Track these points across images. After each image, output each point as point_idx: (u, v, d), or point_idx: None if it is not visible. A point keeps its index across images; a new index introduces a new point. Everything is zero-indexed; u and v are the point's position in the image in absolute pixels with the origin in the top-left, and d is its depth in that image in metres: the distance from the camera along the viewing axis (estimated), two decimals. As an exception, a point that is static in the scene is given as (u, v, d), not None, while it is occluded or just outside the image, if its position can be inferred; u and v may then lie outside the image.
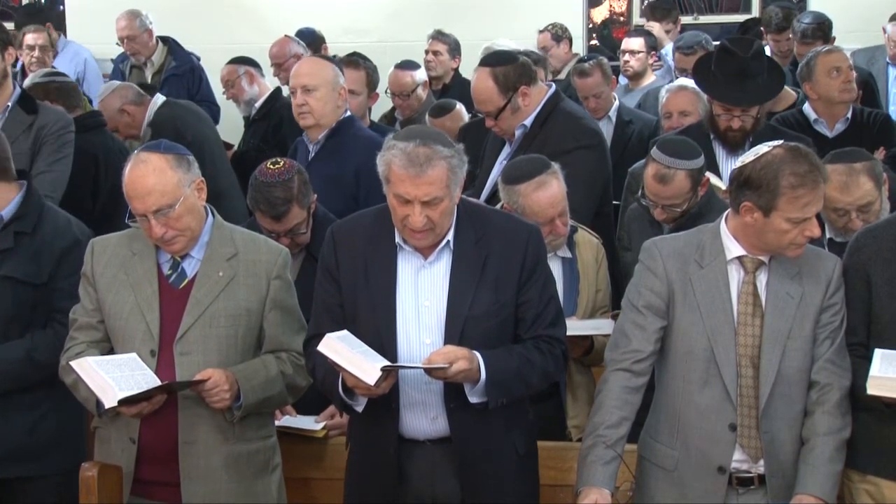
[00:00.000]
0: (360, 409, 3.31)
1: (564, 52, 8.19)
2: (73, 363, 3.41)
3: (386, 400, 3.24)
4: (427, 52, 7.70)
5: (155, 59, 7.83)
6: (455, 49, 7.70)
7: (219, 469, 3.50)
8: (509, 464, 3.37)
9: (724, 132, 5.05)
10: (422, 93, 6.88)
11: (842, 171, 3.90)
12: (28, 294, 3.83)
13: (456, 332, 3.23)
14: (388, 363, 3.14)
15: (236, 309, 3.51)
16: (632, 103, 7.09)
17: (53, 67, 7.29)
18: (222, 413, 3.47)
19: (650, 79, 7.64)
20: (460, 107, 6.27)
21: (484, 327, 3.25)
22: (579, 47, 8.68)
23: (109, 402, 3.28)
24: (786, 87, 5.86)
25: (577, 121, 4.93)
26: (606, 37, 9.96)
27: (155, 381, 3.34)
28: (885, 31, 7.29)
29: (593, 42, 9.79)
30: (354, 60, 6.09)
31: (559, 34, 8.20)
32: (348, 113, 5.00)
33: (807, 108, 5.70)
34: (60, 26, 9.31)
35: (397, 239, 3.29)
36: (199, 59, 8.00)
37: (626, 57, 7.62)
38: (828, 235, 4.02)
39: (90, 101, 6.52)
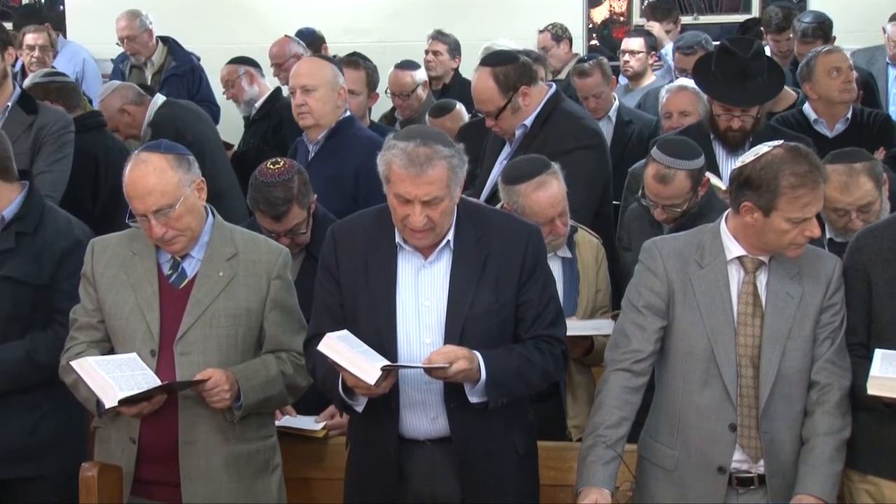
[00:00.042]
0: (360, 408, 3.31)
1: (564, 52, 8.19)
2: (73, 363, 3.41)
3: (386, 400, 3.24)
4: (427, 52, 7.70)
5: (155, 59, 7.83)
6: (455, 49, 7.70)
7: (219, 469, 3.50)
8: (509, 464, 3.37)
9: (724, 132, 5.05)
10: (422, 93, 6.88)
11: (842, 171, 3.90)
12: (28, 295, 3.82)
13: (456, 331, 3.23)
14: (388, 363, 3.14)
15: (236, 309, 3.51)
16: (632, 103, 7.09)
17: (53, 67, 7.29)
18: (222, 413, 3.47)
19: (650, 79, 7.65)
20: (460, 107, 6.27)
21: (484, 327, 3.25)
22: (579, 47, 8.68)
23: (110, 401, 3.28)
24: (786, 87, 5.86)
25: (577, 121, 4.93)
26: (606, 37, 9.96)
27: (155, 381, 3.34)
28: (884, 31, 7.29)
29: (593, 42, 9.80)
30: (354, 60, 6.09)
31: (559, 34, 8.19)
32: (348, 113, 5.00)
33: (807, 108, 5.70)
34: (60, 26, 9.31)
35: (397, 239, 3.30)
36: (199, 59, 7.99)
37: (626, 57, 7.62)
38: (828, 235, 4.02)
39: (90, 101, 6.52)
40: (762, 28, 7.45)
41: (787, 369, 3.26)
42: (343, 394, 3.26)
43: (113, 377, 3.29)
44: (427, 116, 6.25)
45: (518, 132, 4.88)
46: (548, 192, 4.06)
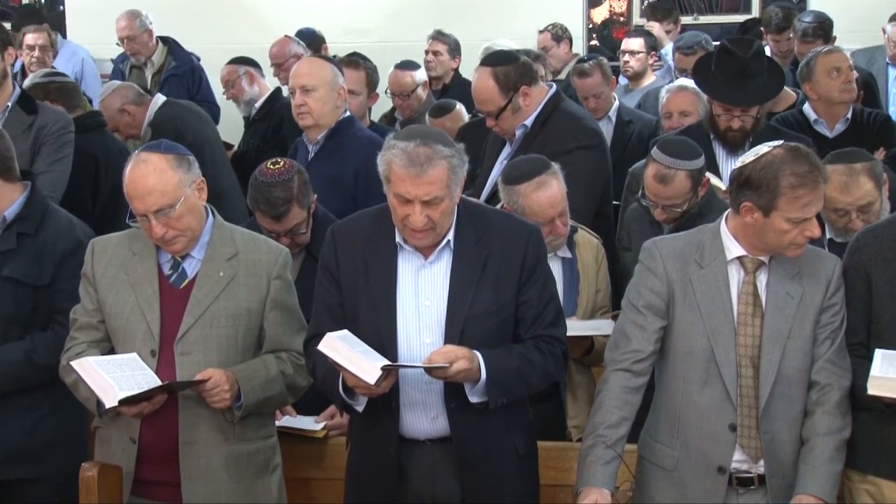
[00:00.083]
0: (360, 408, 3.31)
1: (564, 52, 8.19)
2: (73, 363, 3.41)
3: (386, 400, 3.24)
4: (427, 52, 7.69)
5: (155, 59, 7.83)
6: (455, 49, 7.70)
7: (219, 469, 3.50)
8: (509, 464, 3.37)
9: (724, 132, 5.05)
10: (422, 93, 6.88)
11: (842, 171, 3.90)
12: (28, 295, 3.82)
13: (456, 331, 3.23)
14: (388, 362, 3.14)
15: (237, 309, 3.51)
16: (632, 103, 7.09)
17: (53, 67, 7.29)
18: (223, 413, 3.47)
19: (650, 79, 7.65)
20: (460, 107, 6.27)
21: (484, 327, 3.25)
22: (579, 47, 8.68)
23: (110, 401, 3.28)
24: (786, 87, 5.86)
25: (577, 121, 4.93)
26: (606, 37, 9.96)
27: (155, 381, 3.34)
28: (884, 31, 7.29)
29: (593, 42, 9.80)
30: (354, 60, 6.09)
31: (559, 34, 8.20)
32: (348, 113, 5.00)
33: (807, 108, 5.70)
34: (60, 26, 9.31)
35: (397, 238, 3.30)
36: (199, 59, 7.99)
37: (626, 57, 7.62)
38: (828, 236, 4.02)
39: (90, 101, 6.52)
40: (762, 28, 7.45)
41: (787, 369, 3.26)
42: (343, 394, 3.26)
43: (113, 377, 3.29)
44: (427, 116, 6.24)
45: (518, 132, 4.88)
46: (548, 193, 4.06)
